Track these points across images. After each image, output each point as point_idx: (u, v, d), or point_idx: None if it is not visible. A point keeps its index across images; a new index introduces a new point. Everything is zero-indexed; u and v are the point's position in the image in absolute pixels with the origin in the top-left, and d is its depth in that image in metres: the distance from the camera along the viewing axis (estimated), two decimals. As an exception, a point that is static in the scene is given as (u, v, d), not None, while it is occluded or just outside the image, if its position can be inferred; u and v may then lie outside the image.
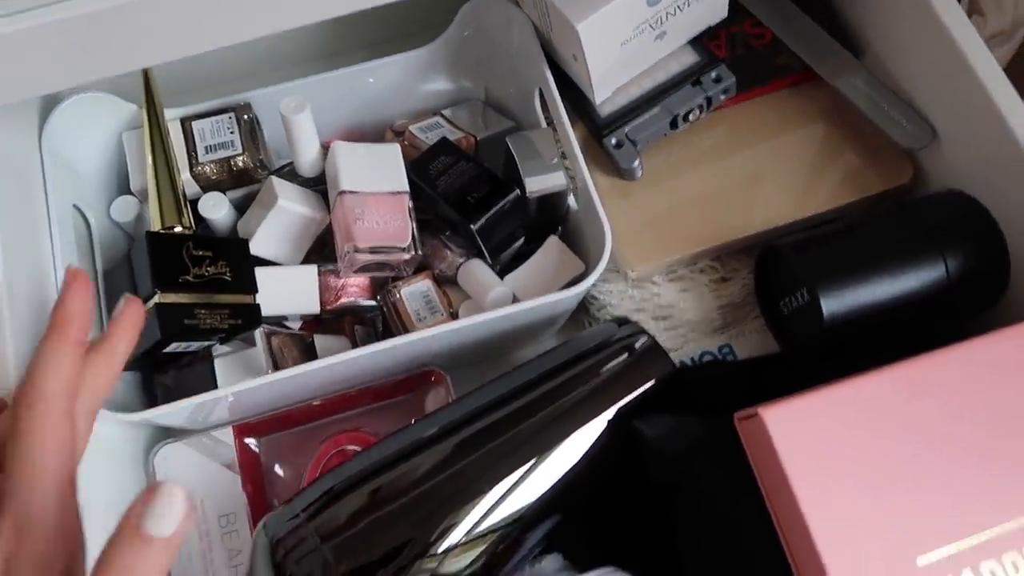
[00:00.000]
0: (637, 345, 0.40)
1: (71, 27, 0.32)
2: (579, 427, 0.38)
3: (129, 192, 0.46)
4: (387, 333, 0.46)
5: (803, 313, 0.41)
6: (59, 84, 0.35)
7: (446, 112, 0.51)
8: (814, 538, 0.32)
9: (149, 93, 0.45)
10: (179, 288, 0.39)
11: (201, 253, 0.41)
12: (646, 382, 0.39)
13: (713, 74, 0.44)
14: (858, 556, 0.32)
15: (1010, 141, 0.39)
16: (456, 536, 0.35)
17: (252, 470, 0.44)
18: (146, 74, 0.45)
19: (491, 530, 0.36)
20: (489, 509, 0.36)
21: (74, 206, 0.43)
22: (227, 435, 0.43)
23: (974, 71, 0.40)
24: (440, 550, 0.35)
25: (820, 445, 0.33)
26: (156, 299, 0.39)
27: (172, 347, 0.40)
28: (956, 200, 0.42)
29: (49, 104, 0.44)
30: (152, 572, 0.24)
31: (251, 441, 0.45)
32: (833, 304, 0.39)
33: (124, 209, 0.46)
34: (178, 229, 0.43)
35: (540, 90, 0.46)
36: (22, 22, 0.32)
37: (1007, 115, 0.39)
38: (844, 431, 0.33)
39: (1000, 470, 0.33)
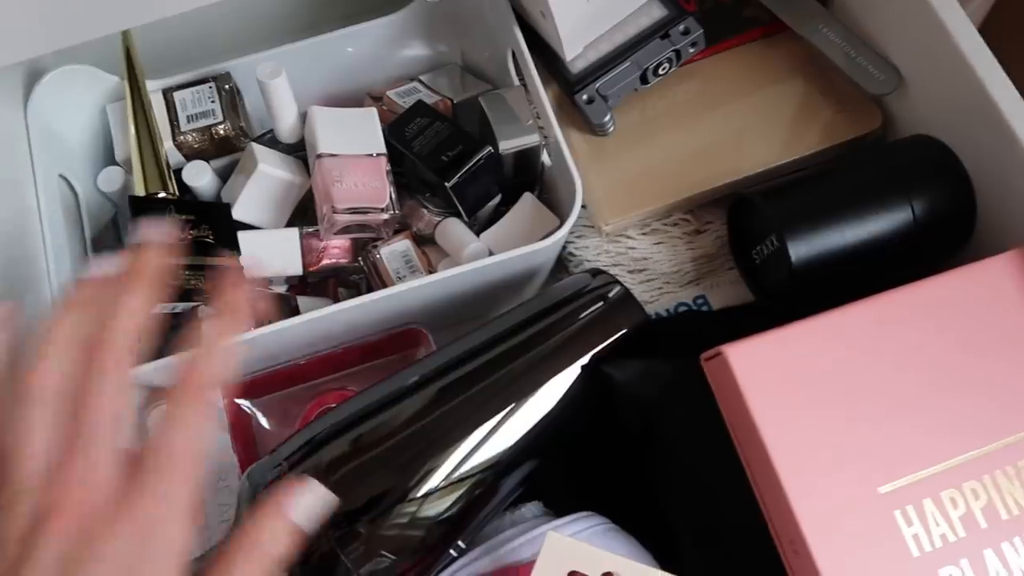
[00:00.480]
0: (610, 295, 0.41)
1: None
2: (554, 375, 0.39)
3: (115, 163, 0.47)
4: (370, 294, 0.47)
5: (774, 260, 0.42)
6: (38, 49, 0.36)
7: (423, 77, 0.52)
8: (777, 471, 0.33)
9: (130, 65, 0.46)
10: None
11: (184, 216, 0.42)
12: (619, 330, 0.40)
13: (681, 27, 0.45)
14: (821, 486, 0.33)
15: (975, 85, 0.39)
16: (434, 481, 0.36)
17: (242, 430, 0.45)
18: (127, 46, 0.46)
19: (468, 475, 0.37)
20: (466, 455, 0.37)
21: (60, 176, 0.45)
22: (217, 396, 0.45)
23: (939, 17, 0.41)
24: (419, 494, 0.36)
25: (783, 381, 0.34)
26: (140, 261, 0.40)
27: (158, 308, 0.41)
28: (923, 144, 0.42)
29: (33, 78, 0.45)
30: (281, 549, 0.26)
31: (241, 402, 0.46)
32: (801, 248, 0.40)
33: (110, 179, 0.47)
34: (162, 195, 0.44)
35: (512, 51, 0.47)
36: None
37: (972, 60, 0.40)
38: (807, 367, 0.34)
39: (959, 403, 0.34)
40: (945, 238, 0.42)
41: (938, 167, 0.41)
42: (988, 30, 0.41)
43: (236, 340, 0.28)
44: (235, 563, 0.26)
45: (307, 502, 0.27)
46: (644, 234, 0.46)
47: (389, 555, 0.35)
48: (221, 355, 0.27)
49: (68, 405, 0.26)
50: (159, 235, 0.29)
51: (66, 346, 0.26)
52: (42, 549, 0.24)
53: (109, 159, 0.48)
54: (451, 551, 0.37)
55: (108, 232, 0.44)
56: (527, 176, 0.47)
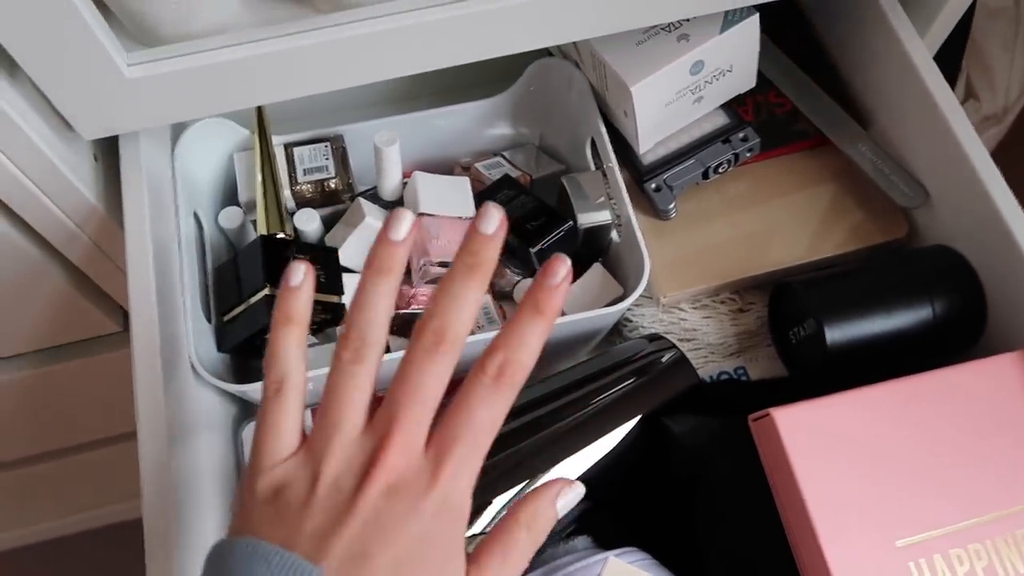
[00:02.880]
0: (665, 358, 0.47)
1: (211, 72, 0.41)
2: (611, 428, 0.45)
3: (235, 204, 0.54)
4: (448, 338, 0.53)
5: (809, 341, 0.48)
6: (200, 114, 0.44)
7: (506, 153, 0.59)
8: (812, 519, 0.38)
9: (261, 123, 0.53)
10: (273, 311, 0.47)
11: (302, 256, 0.48)
12: (675, 389, 0.46)
13: (741, 134, 0.52)
14: (849, 535, 0.38)
15: (990, 206, 0.46)
16: (496, 509, 0.42)
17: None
18: (260, 107, 0.53)
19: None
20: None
21: (194, 212, 0.51)
22: (308, 416, 0.50)
23: (962, 147, 0.47)
24: (483, 528, 0.41)
25: (821, 443, 0.40)
26: (266, 291, 0.46)
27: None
28: (944, 253, 0.49)
29: (179, 126, 0.52)
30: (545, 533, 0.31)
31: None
32: (836, 334, 0.46)
33: (230, 218, 0.53)
34: (280, 236, 0.50)
35: (592, 139, 0.54)
36: (170, 66, 0.40)
37: (988, 185, 0.46)
38: (842, 432, 0.40)
39: (968, 476, 0.40)
40: (960, 335, 0.48)
41: (956, 274, 0.48)
42: (1001, 157, 0.48)
43: (544, 336, 0.30)
44: (512, 538, 0.30)
45: (570, 499, 0.32)
46: (695, 308, 0.52)
47: None
48: (532, 350, 0.30)
49: (401, 373, 0.29)
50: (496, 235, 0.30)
51: (387, 313, 0.30)
52: (365, 498, 0.28)
53: (227, 200, 0.55)
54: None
55: (228, 266, 0.50)
56: (593, 249, 0.54)
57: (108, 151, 0.49)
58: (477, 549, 0.30)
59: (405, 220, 0.31)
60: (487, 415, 0.29)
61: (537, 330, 0.30)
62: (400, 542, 0.28)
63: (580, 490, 0.32)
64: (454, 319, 0.29)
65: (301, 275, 0.32)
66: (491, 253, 0.30)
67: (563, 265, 0.30)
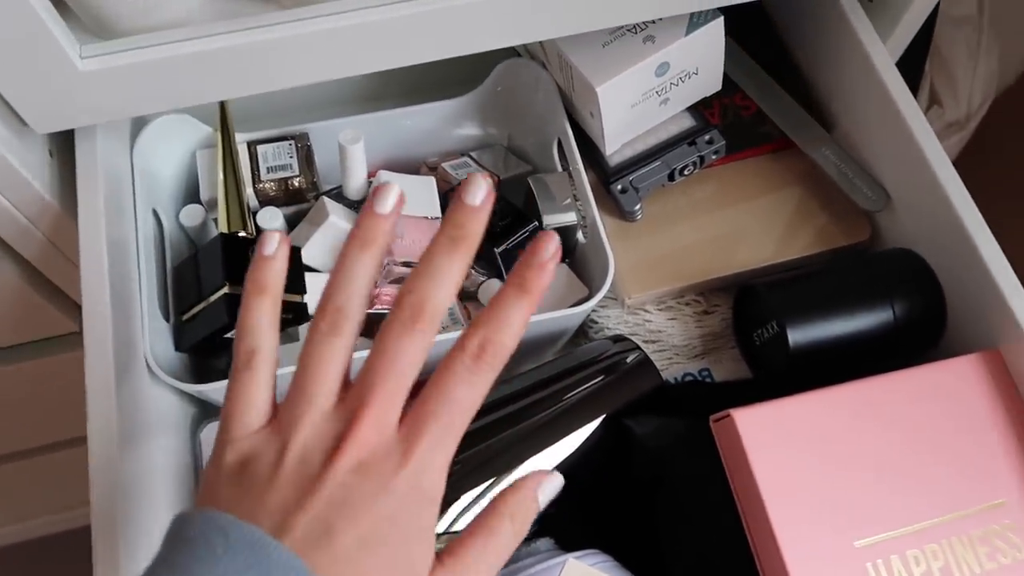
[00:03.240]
0: (629, 359, 0.47)
1: (169, 65, 0.40)
2: (579, 426, 0.44)
3: (196, 201, 0.53)
4: (412, 339, 0.52)
5: (773, 343, 0.48)
6: (157, 108, 0.43)
7: (473, 154, 0.59)
8: (771, 520, 0.38)
9: (224, 119, 0.52)
10: (241, 282, 0.46)
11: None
12: (638, 390, 0.46)
13: (707, 137, 0.52)
14: (807, 535, 0.38)
15: (950, 211, 0.46)
16: (466, 516, 0.41)
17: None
18: (222, 104, 0.53)
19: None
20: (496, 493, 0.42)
21: (153, 210, 0.50)
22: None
23: (922, 151, 0.48)
24: (447, 527, 0.41)
25: (781, 444, 0.40)
26: (225, 290, 0.45)
27: (232, 334, 0.46)
28: (904, 256, 0.49)
29: (140, 122, 0.51)
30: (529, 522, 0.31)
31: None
32: (798, 336, 0.47)
33: (191, 215, 0.52)
34: (242, 234, 0.50)
35: (559, 140, 0.54)
36: (126, 59, 0.39)
37: (948, 189, 0.46)
38: (802, 433, 0.40)
39: (925, 477, 0.40)
40: (920, 337, 0.48)
41: (917, 277, 0.48)
42: (963, 163, 0.49)
43: (528, 317, 0.29)
44: (494, 527, 0.29)
45: (550, 490, 0.31)
46: (660, 309, 0.52)
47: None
48: (514, 330, 0.28)
49: (377, 345, 0.28)
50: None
51: (367, 286, 0.29)
52: (332, 473, 0.27)
53: (189, 198, 0.54)
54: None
55: (188, 264, 0.49)
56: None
57: (64, 146, 0.48)
58: (456, 539, 0.29)
59: (392, 193, 0.30)
60: (464, 395, 0.28)
61: (521, 309, 0.29)
62: (367, 520, 0.27)
63: (559, 481, 0.32)
64: (433, 293, 0.28)
65: (275, 244, 0.31)
66: (476, 227, 0.29)
67: (552, 242, 0.29)
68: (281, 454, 0.28)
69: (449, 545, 0.29)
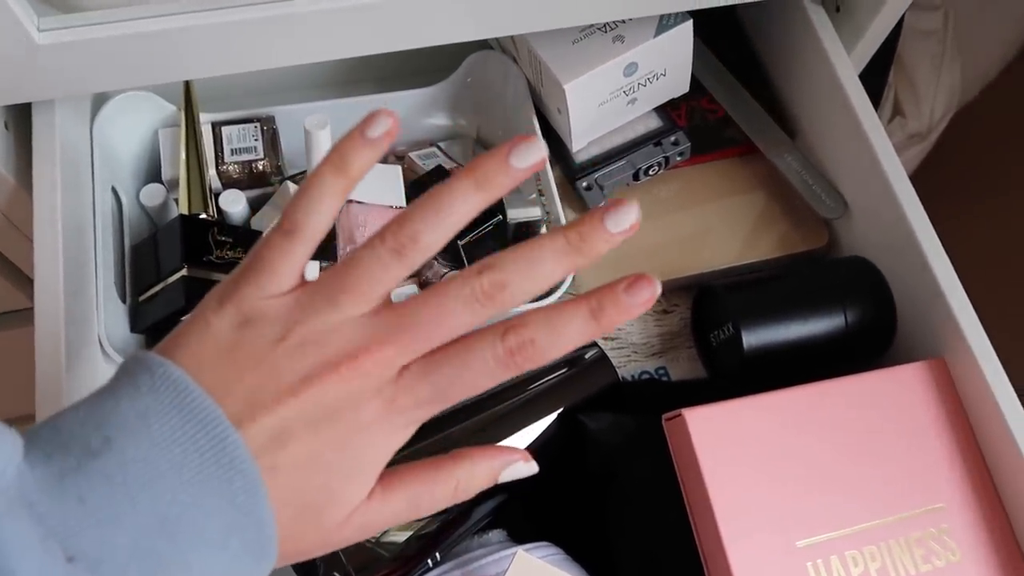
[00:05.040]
0: (587, 356, 0.48)
1: (131, 42, 0.39)
2: (533, 420, 0.45)
3: (158, 181, 0.52)
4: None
5: (728, 344, 0.49)
6: (117, 86, 0.42)
7: (441, 144, 0.59)
8: (716, 517, 0.39)
9: (188, 99, 0.52)
10: (203, 266, 0.46)
11: (223, 238, 0.47)
12: (594, 387, 0.46)
13: (672, 138, 0.53)
14: (751, 534, 0.39)
15: (903, 221, 0.47)
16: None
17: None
18: (187, 83, 0.52)
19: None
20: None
21: (112, 188, 0.49)
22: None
23: (879, 163, 0.49)
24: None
25: (730, 443, 0.40)
26: (183, 272, 0.45)
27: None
28: (859, 264, 0.50)
29: (100, 97, 0.50)
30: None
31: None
32: (752, 338, 0.47)
33: (152, 195, 0.52)
34: (203, 216, 0.49)
35: (527, 135, 0.54)
36: (85, 33, 0.39)
37: (902, 200, 0.47)
38: (750, 434, 0.41)
39: (867, 480, 0.41)
40: (870, 344, 0.49)
41: (869, 286, 0.49)
42: (924, 174, 0.50)
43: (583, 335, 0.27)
44: (434, 486, 0.28)
45: (518, 472, 0.29)
46: (620, 307, 0.53)
47: (379, 556, 0.40)
48: (566, 339, 0.27)
49: (436, 290, 0.26)
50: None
51: (454, 224, 0.27)
52: (317, 387, 0.25)
53: (151, 177, 0.53)
54: (428, 561, 0.42)
55: (147, 244, 0.49)
56: (524, 244, 0.54)
57: (20, 118, 0.47)
58: (396, 472, 0.28)
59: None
60: (477, 381, 0.27)
61: (575, 329, 0.27)
62: (321, 442, 0.26)
63: (531, 470, 0.30)
64: (518, 281, 0.27)
65: (384, 128, 0.28)
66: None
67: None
68: (282, 333, 0.26)
69: (389, 479, 0.28)
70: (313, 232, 0.28)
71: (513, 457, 0.29)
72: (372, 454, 0.27)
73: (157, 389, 0.24)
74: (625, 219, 0.28)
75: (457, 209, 0.27)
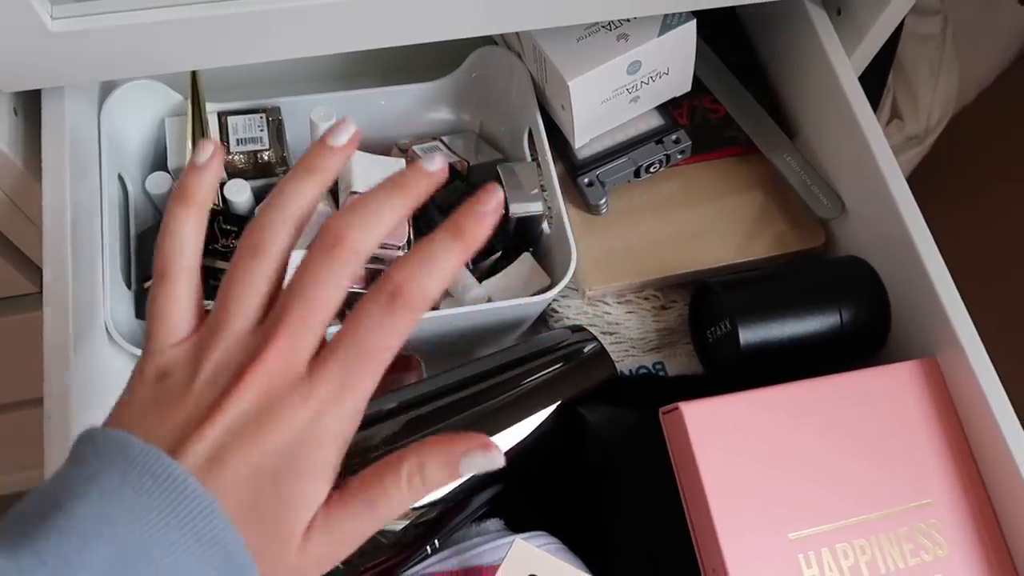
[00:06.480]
0: (586, 349, 0.48)
1: (142, 31, 0.40)
2: (531, 413, 0.46)
3: (164, 169, 0.53)
4: (374, 319, 0.53)
5: (725, 341, 0.50)
6: (127, 74, 0.43)
7: (444, 138, 0.59)
8: (711, 509, 0.40)
9: (195, 88, 0.52)
10: (208, 254, 0.46)
11: (228, 227, 0.48)
12: (592, 380, 0.47)
13: (674, 136, 0.54)
14: (744, 526, 0.40)
15: (899, 222, 0.48)
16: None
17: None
18: (194, 72, 0.52)
19: (443, 495, 0.42)
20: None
21: (119, 175, 0.50)
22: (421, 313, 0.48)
23: (877, 164, 0.49)
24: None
25: (725, 437, 0.41)
26: (189, 261, 0.45)
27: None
28: (855, 264, 0.51)
29: (109, 85, 0.50)
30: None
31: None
32: (749, 335, 0.48)
33: (158, 183, 0.52)
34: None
35: (530, 130, 0.54)
36: (97, 22, 0.39)
37: (898, 202, 0.48)
38: (746, 428, 0.42)
39: (858, 476, 0.42)
40: (864, 343, 0.50)
41: (865, 285, 0.50)
42: (921, 177, 0.51)
43: (457, 266, 0.27)
44: (385, 488, 0.27)
45: (479, 464, 0.28)
46: (619, 303, 0.54)
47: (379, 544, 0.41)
48: (440, 275, 0.27)
49: (295, 274, 0.28)
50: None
51: (301, 213, 0.28)
52: (233, 401, 0.26)
53: (157, 165, 0.54)
54: (427, 548, 0.43)
55: (152, 232, 0.49)
56: (525, 239, 0.55)
57: (30, 105, 0.47)
58: (352, 481, 0.28)
59: (348, 128, 0.30)
60: (377, 339, 0.27)
61: (451, 255, 0.27)
62: (258, 452, 0.26)
63: (496, 462, 0.28)
64: (359, 224, 0.28)
65: (208, 153, 0.30)
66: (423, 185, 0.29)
67: (495, 196, 0.28)
68: (193, 373, 0.27)
69: (341, 489, 0.28)
70: (183, 267, 0.29)
71: (469, 446, 0.28)
72: (318, 452, 0.27)
73: (100, 454, 0.25)
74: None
75: (293, 198, 0.29)
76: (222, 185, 0.52)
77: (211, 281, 0.46)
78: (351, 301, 0.54)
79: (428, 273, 0.27)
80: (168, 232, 0.30)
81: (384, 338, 0.27)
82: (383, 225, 0.28)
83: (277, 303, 0.28)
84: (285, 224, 0.29)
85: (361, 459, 0.37)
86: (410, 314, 0.27)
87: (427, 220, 0.53)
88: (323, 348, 0.28)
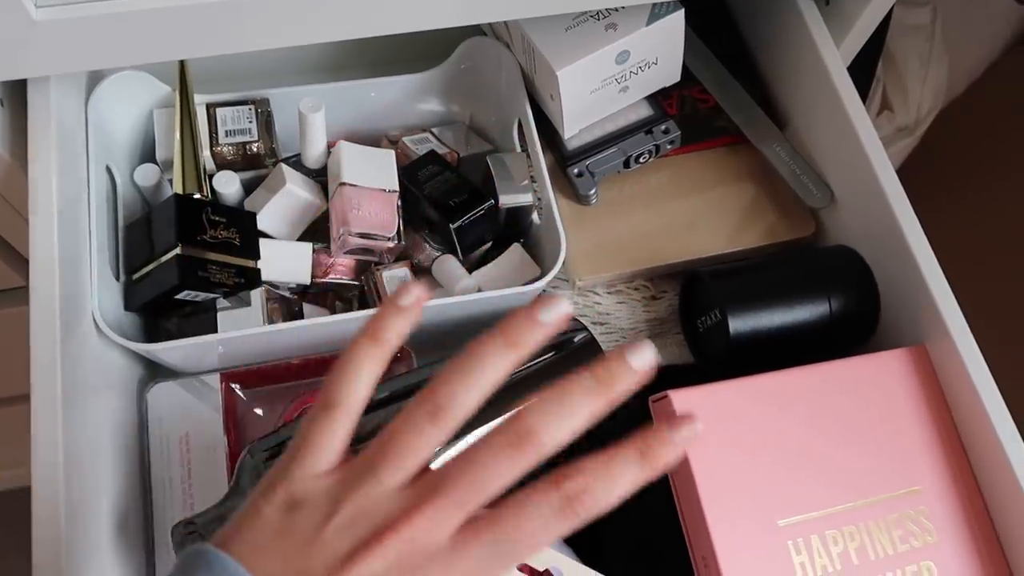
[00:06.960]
0: (577, 339, 0.48)
1: (128, 20, 0.40)
2: (520, 402, 0.45)
3: (152, 161, 0.52)
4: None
5: (715, 330, 0.50)
6: (113, 64, 0.42)
7: (434, 130, 0.59)
8: (701, 497, 0.40)
9: (183, 79, 0.52)
10: (196, 244, 0.46)
11: (217, 218, 0.48)
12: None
13: (663, 127, 0.54)
14: (734, 513, 0.40)
15: (888, 212, 0.48)
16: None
17: (233, 413, 0.50)
18: (182, 63, 0.52)
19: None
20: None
21: (107, 167, 0.50)
22: (215, 380, 0.50)
23: (866, 154, 0.50)
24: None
25: (715, 425, 0.41)
26: (177, 251, 0.45)
27: (183, 295, 0.46)
28: (844, 254, 0.51)
29: (96, 76, 0.50)
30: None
31: (235, 387, 0.51)
32: (739, 324, 0.48)
33: (146, 175, 0.52)
34: (197, 196, 0.49)
35: (519, 121, 0.54)
36: (82, 11, 0.39)
37: (887, 191, 0.48)
38: (734, 416, 0.42)
39: (847, 463, 0.42)
40: (854, 331, 0.50)
41: (854, 274, 0.50)
42: (910, 167, 0.51)
43: (633, 483, 0.28)
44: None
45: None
46: (609, 293, 0.54)
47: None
48: (617, 490, 0.28)
49: (471, 447, 0.27)
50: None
51: (487, 389, 0.28)
52: (368, 558, 0.26)
53: (145, 157, 0.53)
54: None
55: (140, 224, 0.49)
56: (515, 229, 0.55)
57: (15, 95, 0.47)
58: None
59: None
60: (534, 534, 0.27)
61: (628, 473, 0.28)
62: None
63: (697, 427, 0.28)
64: (552, 430, 0.28)
65: (413, 298, 0.29)
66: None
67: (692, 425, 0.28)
68: (329, 513, 0.27)
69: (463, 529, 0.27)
70: (352, 404, 0.29)
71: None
72: None
73: None
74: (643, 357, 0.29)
75: (490, 370, 0.28)
76: (211, 177, 0.52)
77: (199, 272, 0.46)
78: (343, 297, 0.54)
79: (609, 487, 0.28)
80: (350, 363, 0.29)
81: (542, 536, 0.27)
82: (576, 425, 0.28)
83: (445, 468, 0.27)
84: (470, 395, 0.28)
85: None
86: (577, 519, 0.27)
87: (419, 213, 0.53)
88: (474, 520, 0.27)
